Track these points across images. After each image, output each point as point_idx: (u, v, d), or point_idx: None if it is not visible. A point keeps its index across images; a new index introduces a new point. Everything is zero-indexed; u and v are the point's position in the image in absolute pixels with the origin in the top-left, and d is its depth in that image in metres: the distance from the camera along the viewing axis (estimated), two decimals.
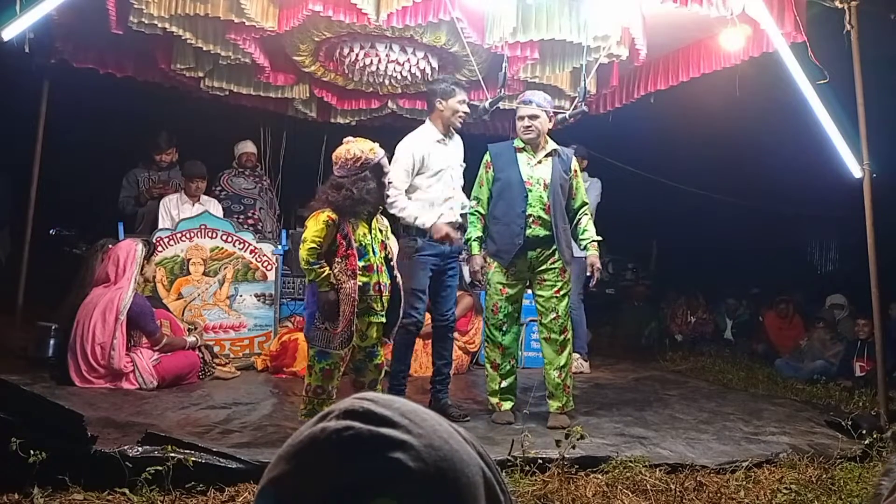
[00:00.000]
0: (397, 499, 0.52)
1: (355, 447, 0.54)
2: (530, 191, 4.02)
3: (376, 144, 3.62)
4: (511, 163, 4.08)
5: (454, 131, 4.35)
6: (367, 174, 3.47)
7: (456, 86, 4.28)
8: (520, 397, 4.38)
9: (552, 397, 4.10)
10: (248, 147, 6.71)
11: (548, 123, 4.08)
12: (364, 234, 3.54)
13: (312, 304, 3.52)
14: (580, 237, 4.18)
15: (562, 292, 4.08)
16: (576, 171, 4.20)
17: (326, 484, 0.53)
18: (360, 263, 3.48)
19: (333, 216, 3.44)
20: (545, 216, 4.02)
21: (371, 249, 3.55)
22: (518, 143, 4.12)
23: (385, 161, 3.59)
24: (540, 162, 4.08)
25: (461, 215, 4.23)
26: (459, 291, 5.93)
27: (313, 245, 3.38)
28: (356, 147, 3.53)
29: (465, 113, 4.26)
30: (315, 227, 3.41)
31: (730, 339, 8.54)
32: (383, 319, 3.63)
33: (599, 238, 4.18)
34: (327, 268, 3.41)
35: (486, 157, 4.20)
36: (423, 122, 6.86)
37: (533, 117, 4.02)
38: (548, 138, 4.15)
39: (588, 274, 4.12)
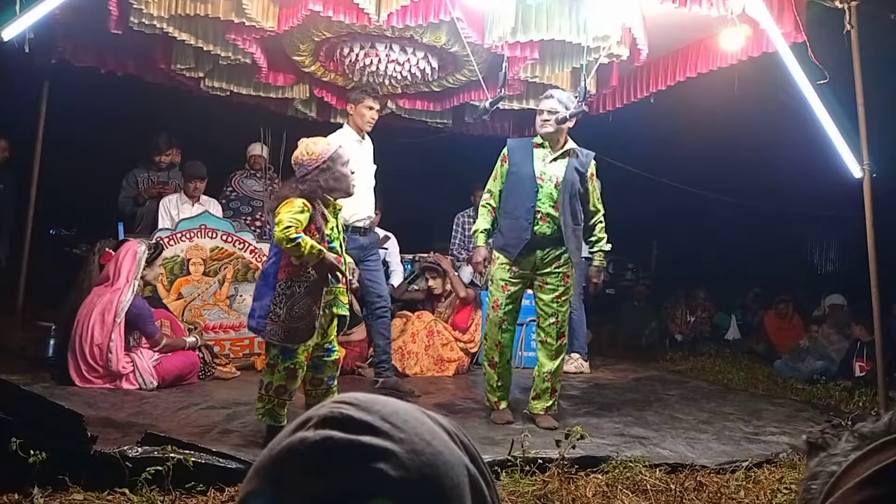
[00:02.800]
0: None
1: (335, 458, 0.53)
2: (541, 186, 4.00)
3: (328, 138, 3.67)
4: (526, 158, 4.08)
5: (367, 134, 4.79)
6: (328, 164, 3.47)
7: (366, 93, 4.71)
8: (520, 397, 4.38)
9: (538, 399, 4.09)
10: (255, 150, 6.73)
11: (566, 119, 4.03)
12: (332, 227, 3.51)
13: (267, 297, 3.37)
14: (593, 243, 4.21)
15: (563, 297, 4.06)
16: (592, 174, 4.17)
17: (306, 498, 0.52)
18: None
19: (308, 202, 3.37)
20: (554, 213, 3.99)
21: (339, 242, 3.53)
22: (537, 140, 4.11)
23: (342, 151, 3.55)
24: (556, 159, 4.06)
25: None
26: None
27: (290, 224, 3.24)
28: (311, 145, 3.54)
29: (372, 119, 4.68)
30: (291, 208, 3.30)
31: (737, 339, 8.52)
32: (347, 312, 3.57)
33: (608, 248, 4.19)
34: (308, 238, 3.29)
35: (504, 150, 4.19)
36: (423, 122, 6.97)
37: (552, 111, 4.00)
38: (568, 137, 4.13)
39: (584, 284, 4.13)
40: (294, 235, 3.21)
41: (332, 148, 3.53)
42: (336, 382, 3.67)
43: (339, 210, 3.64)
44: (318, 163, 3.47)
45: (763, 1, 4.26)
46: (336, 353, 3.64)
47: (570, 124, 4.09)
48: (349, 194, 3.59)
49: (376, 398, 0.58)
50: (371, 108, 4.66)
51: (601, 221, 4.22)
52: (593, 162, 4.19)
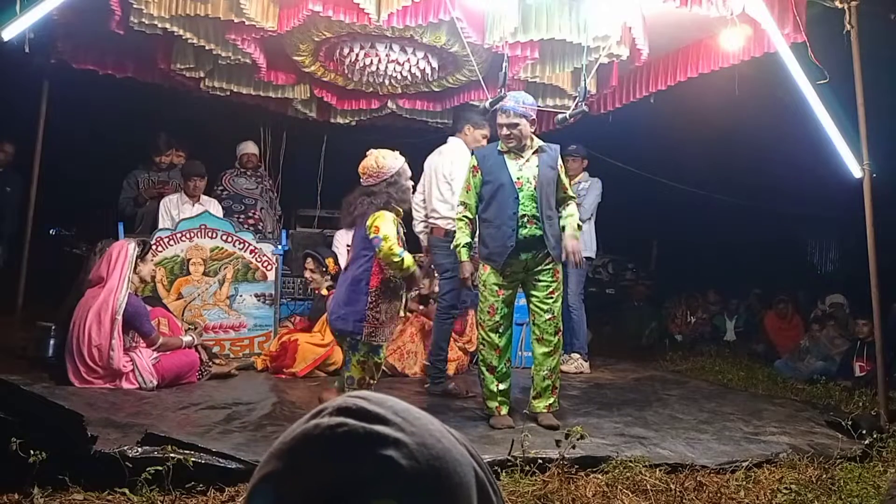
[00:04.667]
0: (395, 499, 0.52)
1: (348, 444, 0.54)
2: (521, 190, 3.98)
3: (396, 152, 3.96)
4: (499, 165, 4.03)
5: None
6: (395, 178, 3.83)
7: (487, 123, 4.90)
8: (519, 397, 4.38)
9: (539, 397, 4.08)
10: (248, 148, 6.72)
11: (529, 127, 4.01)
12: (402, 234, 3.85)
13: (361, 303, 3.73)
14: (564, 218, 4.11)
15: (556, 293, 4.05)
16: (561, 166, 4.16)
17: (319, 480, 0.53)
18: None
19: (393, 215, 3.76)
20: (538, 214, 3.98)
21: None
22: (502, 146, 4.07)
23: (406, 167, 3.92)
24: (528, 161, 4.05)
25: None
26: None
27: (394, 241, 3.64)
28: (381, 158, 3.85)
29: (482, 146, 4.81)
30: (385, 222, 3.67)
31: (732, 340, 8.53)
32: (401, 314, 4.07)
33: (579, 223, 4.13)
34: (408, 256, 3.70)
35: (472, 161, 4.14)
36: (424, 121, 6.96)
37: (512, 126, 3.97)
38: (533, 137, 4.11)
39: (563, 256, 4.05)
40: (398, 252, 3.62)
41: (399, 162, 3.87)
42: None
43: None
44: (387, 175, 3.81)
45: (763, 1, 4.27)
46: (383, 354, 3.99)
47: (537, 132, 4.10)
48: (409, 207, 3.99)
49: (388, 397, 0.60)
50: (485, 137, 4.98)
51: (571, 202, 4.17)
52: (560, 156, 4.19)
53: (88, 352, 4.32)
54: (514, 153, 4.05)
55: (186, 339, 4.78)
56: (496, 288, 4.03)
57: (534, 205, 3.98)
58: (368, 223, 3.69)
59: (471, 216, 4.13)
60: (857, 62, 4.34)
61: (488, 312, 4.07)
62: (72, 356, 4.35)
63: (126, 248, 4.60)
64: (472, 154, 4.20)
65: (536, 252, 4.01)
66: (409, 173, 3.93)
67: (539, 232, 3.97)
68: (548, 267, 4.03)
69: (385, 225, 3.64)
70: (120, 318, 4.37)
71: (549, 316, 4.03)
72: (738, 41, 4.68)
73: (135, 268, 4.60)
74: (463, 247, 4.11)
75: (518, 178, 4.00)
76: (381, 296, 3.73)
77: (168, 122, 6.66)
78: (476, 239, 4.18)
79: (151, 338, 4.53)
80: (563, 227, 4.10)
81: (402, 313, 4.12)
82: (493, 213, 4.02)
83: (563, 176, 4.16)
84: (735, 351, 7.80)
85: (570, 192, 4.22)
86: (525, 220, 3.97)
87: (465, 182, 4.17)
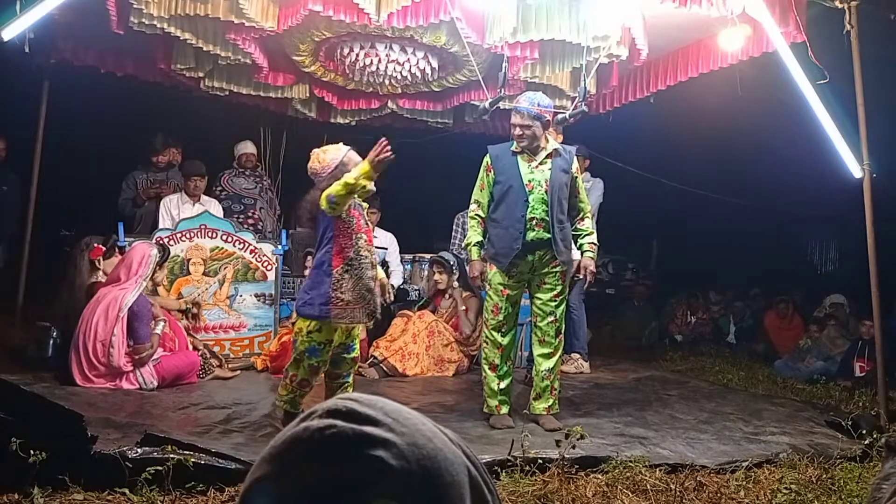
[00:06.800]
0: (391, 499, 0.52)
1: (338, 445, 0.54)
2: (531, 193, 3.95)
3: (339, 144, 3.76)
4: (511, 166, 4.01)
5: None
6: (340, 168, 3.59)
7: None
8: (519, 397, 4.37)
9: (538, 399, 4.08)
10: (247, 147, 6.71)
11: (542, 129, 3.97)
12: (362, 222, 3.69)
13: (325, 285, 3.51)
14: (579, 239, 4.14)
15: (560, 296, 4.04)
16: (577, 169, 4.12)
17: (310, 483, 0.53)
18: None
19: None
20: (547, 217, 3.95)
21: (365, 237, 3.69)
22: (515, 147, 4.05)
23: (352, 155, 3.66)
24: (541, 163, 4.02)
25: None
26: (466, 293, 5.95)
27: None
28: (322, 154, 3.69)
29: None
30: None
31: (732, 342, 8.54)
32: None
33: (597, 243, 4.14)
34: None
35: (486, 159, 4.11)
36: (424, 121, 6.97)
37: (525, 127, 3.93)
38: (548, 138, 4.07)
39: (580, 276, 4.09)
40: (329, 191, 3.38)
41: (342, 153, 3.67)
42: (352, 378, 3.86)
43: (365, 209, 3.80)
44: (331, 168, 3.63)
45: (763, 1, 4.27)
46: (355, 350, 3.82)
47: (545, 130, 4.02)
48: (367, 192, 3.63)
49: (379, 398, 0.60)
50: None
51: (587, 217, 4.16)
52: (576, 158, 4.14)
53: (93, 348, 4.32)
54: (528, 154, 4.01)
55: (154, 334, 4.60)
56: (501, 287, 4.03)
57: (544, 208, 3.95)
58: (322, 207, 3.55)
59: (483, 215, 4.11)
60: (857, 62, 4.34)
61: (492, 311, 4.07)
62: (77, 353, 4.36)
63: (148, 253, 4.61)
64: (487, 152, 4.15)
65: (543, 254, 3.99)
66: (357, 159, 3.62)
67: (547, 235, 3.95)
68: (554, 270, 4.02)
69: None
70: (125, 315, 4.37)
71: (552, 318, 4.02)
72: (738, 41, 4.68)
73: (153, 273, 4.62)
74: (473, 246, 4.10)
75: (529, 181, 3.97)
76: (343, 275, 3.55)
77: (168, 123, 6.66)
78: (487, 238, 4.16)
79: (141, 346, 4.42)
80: (582, 247, 4.10)
81: (386, 298, 3.88)
82: (502, 214, 4.01)
83: (579, 180, 4.12)
84: (735, 351, 7.80)
85: (585, 203, 4.15)
86: (533, 223, 3.95)
87: (479, 180, 4.14)
